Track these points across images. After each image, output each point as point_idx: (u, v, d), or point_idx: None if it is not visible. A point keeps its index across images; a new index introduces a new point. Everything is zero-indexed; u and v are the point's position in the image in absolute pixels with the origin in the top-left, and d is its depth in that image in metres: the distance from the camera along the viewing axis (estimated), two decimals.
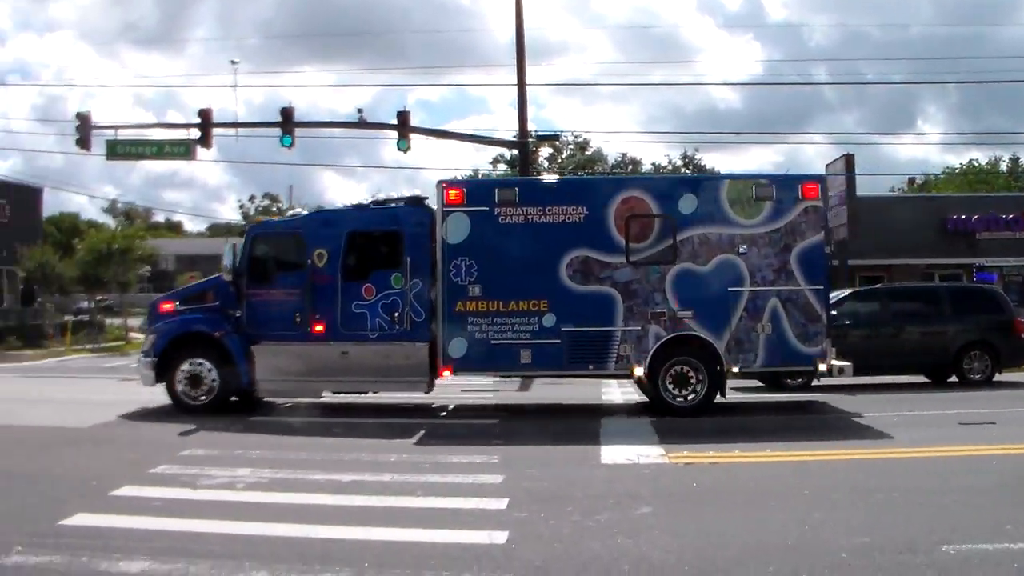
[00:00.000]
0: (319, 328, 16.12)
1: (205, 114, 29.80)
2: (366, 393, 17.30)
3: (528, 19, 31.81)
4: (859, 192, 34.61)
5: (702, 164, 66.55)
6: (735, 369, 15.76)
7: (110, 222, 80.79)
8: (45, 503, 9.37)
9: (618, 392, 19.46)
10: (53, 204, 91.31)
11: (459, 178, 27.99)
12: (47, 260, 45.90)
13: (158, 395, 16.91)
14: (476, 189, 16.56)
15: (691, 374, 15.73)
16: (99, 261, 44.73)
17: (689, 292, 15.66)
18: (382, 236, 16.73)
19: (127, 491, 9.87)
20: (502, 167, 60.23)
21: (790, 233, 15.63)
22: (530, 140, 32.09)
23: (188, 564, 7.08)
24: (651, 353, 15.62)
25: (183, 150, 30.54)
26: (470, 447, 12.74)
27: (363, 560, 7.14)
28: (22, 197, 52.24)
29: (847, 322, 20.71)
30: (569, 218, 15.80)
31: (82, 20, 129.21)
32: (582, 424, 15.03)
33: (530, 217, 15.85)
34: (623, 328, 15.64)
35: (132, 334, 41.44)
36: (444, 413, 17.18)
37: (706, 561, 7.04)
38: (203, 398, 16.31)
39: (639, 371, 15.71)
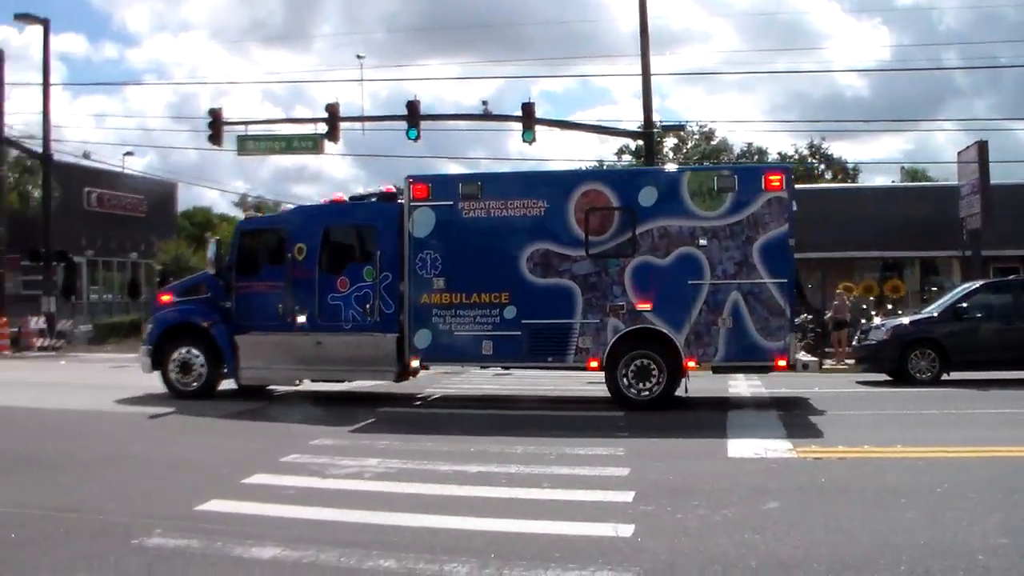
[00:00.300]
0: (299, 319, 16.87)
1: (332, 109, 30.32)
2: (342, 382, 17.96)
3: (651, 7, 31.69)
4: (993, 180, 33.47)
5: (829, 153, 65.49)
6: (693, 363, 15.65)
7: (241, 215, 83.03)
8: (182, 488, 9.73)
9: (744, 385, 19.26)
10: (187, 199, 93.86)
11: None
12: (182, 253, 47.41)
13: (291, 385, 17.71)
14: (441, 184, 16.80)
15: (652, 367, 15.68)
16: None
17: (648, 285, 15.67)
18: (356, 231, 17.51)
19: (259, 479, 10.17)
20: (627, 158, 60.11)
21: (752, 225, 15.42)
22: (655, 130, 31.91)
23: (318, 552, 7.22)
24: (609, 346, 15.70)
25: (311, 144, 31.17)
26: (596, 439, 12.72)
27: (488, 551, 7.16)
28: (158, 192, 53.94)
29: (979, 315, 20.14)
30: (530, 212, 16.06)
31: (213, 20, 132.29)
32: (708, 417, 14.92)
33: (492, 211, 16.18)
34: (582, 321, 15.79)
35: None
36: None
37: (835, 559, 6.88)
38: (193, 384, 17.39)
39: (597, 364, 15.79)
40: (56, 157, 37.51)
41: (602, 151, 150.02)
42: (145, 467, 11.12)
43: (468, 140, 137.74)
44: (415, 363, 16.50)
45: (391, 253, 16.61)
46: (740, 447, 11.87)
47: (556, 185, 16.51)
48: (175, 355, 17.43)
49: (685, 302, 15.52)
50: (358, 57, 73.96)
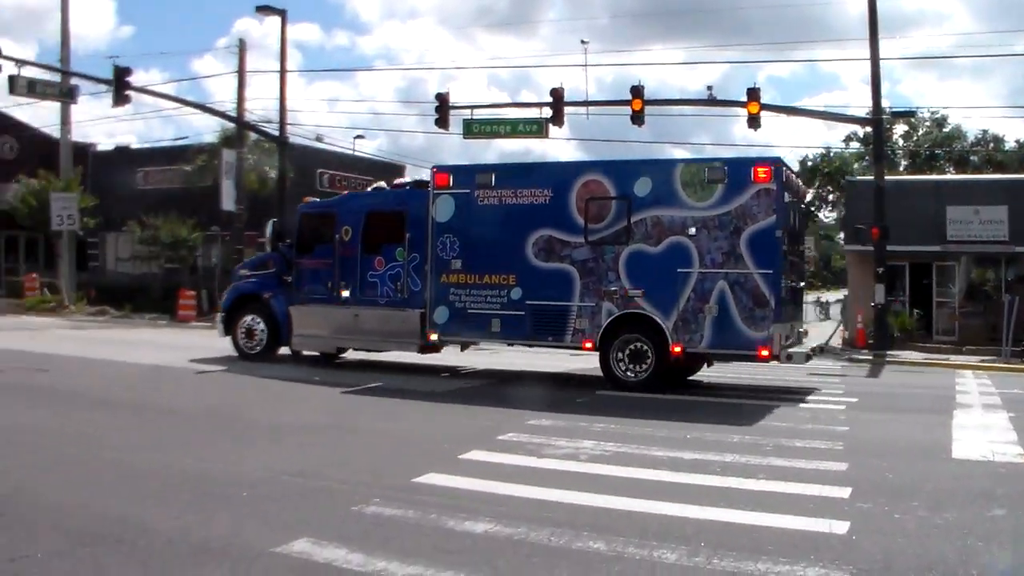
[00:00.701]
0: (343, 294, 18.99)
1: (557, 93, 30.38)
2: (380, 351, 19.85)
3: None
4: None
5: None
6: (679, 349, 16.04)
7: None
8: (401, 460, 10.18)
9: (973, 383, 18.50)
10: None
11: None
12: None
13: (507, 362, 18.40)
14: (460, 173, 18.15)
15: (647, 351, 16.30)
16: None
17: (640, 272, 16.35)
18: (392, 215, 18.98)
19: (475, 455, 10.43)
20: (855, 145, 58.45)
21: (741, 216, 15.72)
22: (884, 117, 30.85)
23: (529, 529, 7.33)
24: (602, 329, 16.53)
25: (535, 128, 31.35)
26: (815, 431, 12.46)
27: (699, 540, 7.11)
28: (387, 175, 55.58)
29: None
30: (536, 200, 17.16)
31: (441, 6, 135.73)
32: (933, 415, 14.37)
33: (504, 199, 17.46)
34: (579, 304, 16.75)
35: None
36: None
37: None
38: (256, 348, 19.98)
39: (591, 345, 16.65)
40: (291, 140, 39.18)
41: (829, 138, 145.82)
42: (368, 438, 11.70)
43: (692, 125, 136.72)
44: (433, 337, 17.96)
45: (419, 236, 18.22)
46: (965, 448, 11.37)
47: (560, 175, 17.41)
48: (242, 321, 20.15)
49: (674, 289, 16.08)
50: (582, 42, 74.73)
